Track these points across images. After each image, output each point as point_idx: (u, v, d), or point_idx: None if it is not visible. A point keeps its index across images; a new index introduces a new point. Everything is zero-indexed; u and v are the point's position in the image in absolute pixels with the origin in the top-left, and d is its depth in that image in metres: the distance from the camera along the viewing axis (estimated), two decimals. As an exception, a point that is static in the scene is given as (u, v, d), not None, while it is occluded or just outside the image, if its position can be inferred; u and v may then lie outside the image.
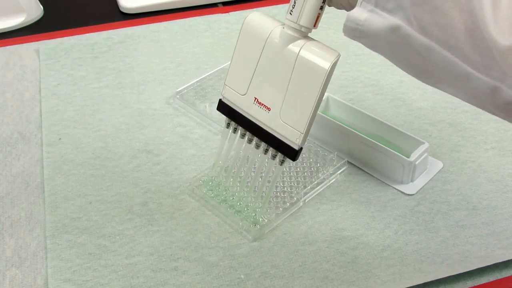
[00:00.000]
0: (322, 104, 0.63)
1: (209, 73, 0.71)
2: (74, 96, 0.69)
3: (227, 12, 0.85)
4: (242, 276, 0.49)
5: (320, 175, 0.57)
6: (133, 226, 0.53)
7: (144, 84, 0.71)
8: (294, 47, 0.46)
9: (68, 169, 0.59)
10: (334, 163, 0.59)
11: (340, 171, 0.58)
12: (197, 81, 0.70)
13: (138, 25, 0.82)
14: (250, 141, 0.51)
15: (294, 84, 0.46)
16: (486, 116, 0.65)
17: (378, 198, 0.56)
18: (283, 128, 0.48)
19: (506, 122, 0.64)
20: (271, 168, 0.51)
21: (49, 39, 0.79)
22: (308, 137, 0.61)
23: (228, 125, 0.52)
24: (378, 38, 0.41)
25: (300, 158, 0.59)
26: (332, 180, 0.58)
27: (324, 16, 0.87)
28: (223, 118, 0.64)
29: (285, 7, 0.85)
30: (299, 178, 0.57)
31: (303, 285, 0.48)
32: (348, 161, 0.59)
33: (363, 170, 0.59)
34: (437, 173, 0.58)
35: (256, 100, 0.49)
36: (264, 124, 0.49)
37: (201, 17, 0.83)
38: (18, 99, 0.69)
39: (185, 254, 0.51)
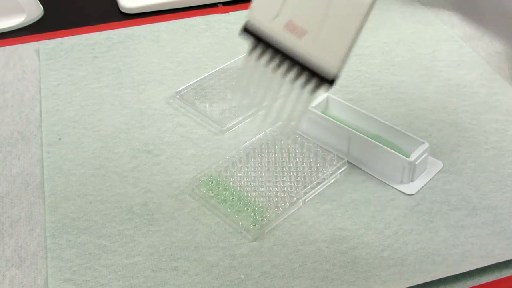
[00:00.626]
0: (322, 104, 0.63)
1: (209, 73, 0.71)
2: (74, 96, 0.69)
3: (227, 12, 0.85)
4: (242, 276, 0.49)
5: (320, 175, 0.57)
6: (133, 226, 0.53)
7: (144, 84, 0.71)
8: None
9: (68, 169, 0.59)
10: (334, 163, 0.59)
11: (340, 171, 0.58)
12: (197, 81, 0.70)
13: (138, 25, 0.82)
14: (277, 67, 0.47)
15: (336, 6, 0.43)
16: (486, 116, 0.65)
17: (378, 198, 0.56)
18: (320, 54, 0.44)
19: (506, 122, 0.64)
20: (298, 100, 0.47)
21: (49, 39, 0.79)
22: (308, 137, 0.61)
23: (251, 51, 0.47)
24: None
25: (300, 158, 0.59)
26: (332, 180, 0.58)
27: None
28: (223, 118, 0.65)
29: (285, 7, 0.85)
30: (299, 178, 0.57)
31: (303, 285, 0.48)
32: (348, 161, 0.59)
33: (363, 170, 0.59)
34: (437, 173, 0.58)
35: (290, 23, 0.44)
36: (297, 50, 0.45)
37: (201, 17, 0.83)
38: (18, 99, 0.69)
39: (185, 254, 0.51)
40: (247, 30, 0.47)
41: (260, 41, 0.46)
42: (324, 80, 0.45)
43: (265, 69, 0.48)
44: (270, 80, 0.48)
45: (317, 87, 0.46)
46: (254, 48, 0.47)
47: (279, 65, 0.47)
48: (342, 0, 0.42)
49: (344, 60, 0.44)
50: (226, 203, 0.55)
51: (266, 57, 0.47)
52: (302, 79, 0.46)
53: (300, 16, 0.44)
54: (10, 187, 0.58)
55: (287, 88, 0.48)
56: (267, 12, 0.45)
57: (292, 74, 0.46)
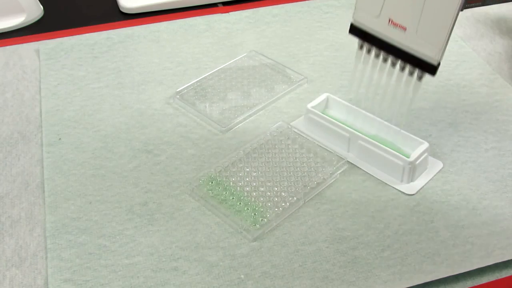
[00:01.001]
0: (322, 104, 0.63)
1: (209, 73, 0.71)
2: (74, 96, 0.69)
3: (227, 12, 0.85)
4: (242, 276, 0.49)
5: (320, 175, 0.57)
6: (133, 226, 0.53)
7: (144, 84, 0.71)
8: None
9: (68, 169, 0.59)
10: (334, 163, 0.59)
11: (340, 171, 0.58)
12: (197, 81, 0.70)
13: (138, 25, 0.82)
14: (385, 60, 0.53)
15: (431, 1, 0.48)
16: (486, 116, 0.65)
17: (378, 198, 0.56)
18: (421, 45, 0.49)
19: (506, 122, 0.64)
20: (408, 87, 0.53)
21: (49, 39, 0.79)
22: (308, 137, 0.61)
23: (361, 47, 0.54)
24: None
25: (300, 158, 0.59)
26: (332, 180, 0.58)
27: (324, 16, 0.87)
28: (223, 118, 0.65)
29: (285, 7, 0.85)
30: (298, 178, 0.57)
31: (303, 285, 0.48)
32: (348, 161, 0.59)
33: (363, 170, 0.59)
34: (437, 173, 0.58)
35: (390, 21, 0.50)
36: (400, 43, 0.51)
37: (201, 17, 0.83)
38: (18, 99, 0.69)
39: (185, 254, 0.51)
40: (355, 28, 0.53)
41: (367, 37, 0.53)
42: (429, 66, 0.50)
43: (376, 60, 0.54)
44: (381, 69, 0.54)
45: (423, 73, 0.51)
46: (363, 43, 0.54)
47: (386, 57, 0.53)
48: None
49: (444, 48, 0.48)
50: (226, 203, 0.55)
51: (374, 51, 0.54)
52: (409, 67, 0.52)
53: (398, 14, 0.50)
54: (10, 187, 0.58)
55: (397, 76, 0.54)
56: (370, 12, 0.52)
57: (399, 63, 0.52)
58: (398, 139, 0.58)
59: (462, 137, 0.63)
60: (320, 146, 0.61)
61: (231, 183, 0.56)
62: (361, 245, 0.51)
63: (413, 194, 0.56)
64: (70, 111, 0.67)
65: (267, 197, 0.55)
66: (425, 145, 0.57)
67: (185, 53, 0.76)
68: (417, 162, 0.56)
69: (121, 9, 0.86)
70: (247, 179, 0.57)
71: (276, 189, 0.56)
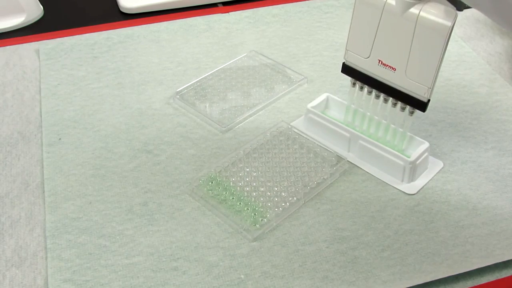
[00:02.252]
0: (322, 104, 0.63)
1: (209, 73, 0.71)
2: (74, 96, 0.69)
3: (227, 12, 0.85)
4: (242, 276, 0.49)
5: (320, 175, 0.57)
6: (133, 226, 0.53)
7: (144, 84, 0.71)
8: (413, 10, 0.49)
9: (68, 169, 0.59)
10: (334, 163, 0.59)
11: (340, 171, 0.58)
12: (197, 81, 0.70)
13: (138, 25, 0.82)
14: (377, 97, 0.56)
15: (417, 44, 0.50)
16: (486, 116, 0.65)
17: (378, 198, 0.56)
18: (410, 84, 0.52)
19: (506, 122, 0.64)
20: (400, 120, 0.56)
21: (49, 39, 0.79)
22: (308, 137, 0.61)
23: (354, 84, 0.57)
24: None
25: (300, 158, 0.59)
26: (332, 180, 0.58)
27: (324, 16, 0.87)
28: (223, 118, 0.65)
29: (285, 7, 0.85)
30: (299, 178, 0.57)
31: (303, 285, 0.48)
32: (348, 161, 0.59)
33: (363, 170, 0.59)
34: (437, 173, 0.58)
35: (380, 62, 0.53)
36: (391, 82, 0.53)
37: (201, 17, 0.83)
38: (18, 99, 0.69)
39: (185, 254, 0.51)
40: (347, 67, 0.56)
41: (359, 76, 0.55)
42: (418, 103, 0.52)
43: (368, 96, 0.57)
44: (374, 105, 0.57)
45: (413, 109, 0.54)
46: (355, 82, 0.57)
47: (378, 94, 0.56)
48: (423, 34, 0.49)
49: (432, 87, 0.51)
50: (226, 203, 0.55)
51: (367, 88, 0.56)
52: (400, 103, 0.54)
53: (387, 56, 0.52)
54: (10, 187, 0.58)
55: (389, 111, 0.56)
56: (360, 53, 0.54)
57: (391, 100, 0.55)
58: (398, 139, 0.58)
59: (462, 137, 0.63)
60: (320, 146, 0.60)
61: (231, 183, 0.56)
62: (361, 245, 0.51)
63: (414, 194, 0.56)
64: (70, 111, 0.67)
65: (267, 197, 0.55)
66: (426, 145, 0.57)
67: (185, 53, 0.76)
68: (418, 162, 0.56)
69: (121, 9, 0.86)
70: (247, 179, 0.57)
71: (276, 189, 0.56)
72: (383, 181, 0.58)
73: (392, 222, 0.54)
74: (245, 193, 0.55)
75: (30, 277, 0.49)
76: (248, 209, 0.54)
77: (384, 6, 0.50)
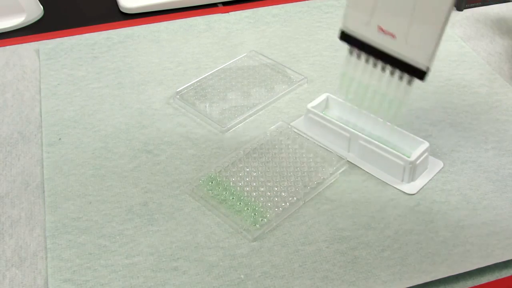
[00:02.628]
0: (322, 104, 0.63)
1: (209, 73, 0.71)
2: (74, 96, 0.69)
3: (227, 12, 0.85)
4: (242, 276, 0.49)
5: (320, 175, 0.57)
6: (133, 226, 0.53)
7: (144, 84, 0.71)
8: None
9: (68, 169, 0.59)
10: (334, 163, 0.59)
11: (340, 171, 0.58)
12: (197, 81, 0.70)
13: (138, 25, 0.82)
14: (374, 65, 0.53)
15: (419, 8, 0.47)
16: (486, 116, 0.65)
17: (378, 198, 0.56)
18: (411, 51, 0.49)
19: (506, 122, 0.64)
20: (398, 91, 0.53)
21: (49, 39, 0.79)
22: (308, 137, 0.61)
23: (351, 53, 0.54)
24: None
25: (300, 158, 0.59)
26: (332, 180, 0.58)
27: (324, 16, 0.87)
28: (223, 118, 0.65)
29: (285, 7, 0.85)
30: (299, 178, 0.57)
31: (303, 285, 0.48)
32: (348, 161, 0.59)
33: (363, 170, 0.59)
34: (437, 173, 0.58)
35: (380, 28, 0.50)
36: (390, 50, 0.51)
37: (201, 17, 0.83)
38: (18, 99, 0.69)
39: (185, 254, 0.51)
40: (344, 34, 0.53)
41: (357, 44, 0.53)
42: (418, 72, 0.50)
43: (366, 65, 0.54)
44: (371, 74, 0.54)
45: (412, 78, 0.51)
46: (352, 50, 0.54)
47: (375, 62, 0.53)
48: (425, 1, 0.47)
49: (434, 54, 0.48)
50: (226, 203, 0.55)
51: (364, 56, 0.53)
52: (399, 72, 0.52)
53: (388, 22, 0.50)
54: (10, 187, 0.58)
55: (386, 80, 0.53)
56: (360, 20, 0.51)
57: (389, 68, 0.52)
58: (398, 139, 0.58)
59: (462, 137, 0.63)
60: (320, 146, 0.60)
61: (231, 183, 0.56)
62: (361, 245, 0.51)
63: (414, 194, 0.56)
64: (70, 111, 0.67)
65: (267, 197, 0.55)
66: (426, 144, 0.57)
67: (185, 53, 0.76)
68: (418, 162, 0.56)
69: (121, 9, 0.86)
70: (247, 179, 0.57)
71: (276, 189, 0.56)
72: (383, 181, 0.58)
73: (392, 222, 0.54)
74: (245, 193, 0.55)
75: (30, 277, 0.49)
76: (248, 209, 0.54)
77: None
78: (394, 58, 0.51)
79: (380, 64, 0.53)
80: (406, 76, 0.51)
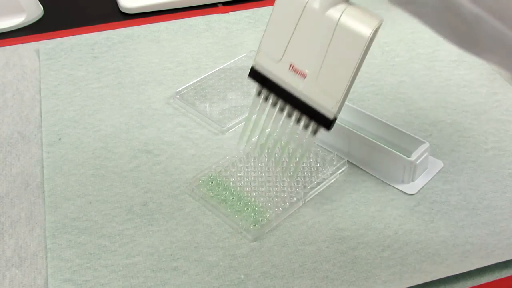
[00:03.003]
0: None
1: (209, 73, 0.71)
2: (74, 96, 0.69)
3: (227, 12, 0.85)
4: (242, 276, 0.49)
5: (320, 175, 0.57)
6: (133, 226, 0.53)
7: (144, 84, 0.71)
8: (334, 12, 0.45)
9: (68, 169, 0.59)
10: (334, 163, 0.59)
11: (340, 171, 0.58)
12: (197, 81, 0.70)
13: (138, 25, 0.82)
14: (281, 110, 0.50)
15: (333, 50, 0.45)
16: (486, 116, 0.65)
17: (378, 198, 0.56)
18: (319, 95, 0.47)
19: (506, 122, 0.64)
20: (302, 140, 0.50)
21: (49, 39, 0.79)
22: (308, 137, 0.61)
23: (259, 93, 0.51)
24: (425, 4, 0.40)
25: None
26: (332, 180, 0.58)
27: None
28: (223, 118, 0.65)
29: (285, 7, 0.85)
30: (299, 178, 0.57)
31: (303, 285, 0.48)
32: (348, 161, 0.59)
33: (363, 170, 0.59)
34: (437, 173, 0.58)
35: (291, 66, 0.48)
36: (298, 92, 0.48)
37: (201, 17, 0.83)
38: (18, 99, 0.69)
39: (185, 254, 0.51)
40: (254, 72, 0.50)
41: (266, 83, 0.49)
42: (324, 119, 0.47)
43: (272, 109, 0.50)
44: (277, 120, 0.51)
45: (318, 127, 0.48)
46: (261, 89, 0.50)
47: (284, 106, 0.49)
48: (341, 40, 0.45)
49: (342, 101, 0.46)
50: (226, 203, 0.55)
51: (272, 98, 0.50)
52: (305, 119, 0.49)
53: (300, 60, 0.47)
54: (10, 187, 0.58)
55: (292, 128, 0.50)
56: (273, 55, 0.48)
57: (296, 114, 0.49)
58: (398, 139, 0.58)
59: (462, 137, 0.63)
60: (320, 146, 0.60)
61: (231, 183, 0.56)
62: (361, 245, 0.51)
63: (414, 194, 0.56)
64: (70, 111, 0.67)
65: (267, 197, 0.55)
66: (426, 144, 0.57)
67: (185, 53, 0.76)
68: (418, 162, 0.56)
69: (121, 9, 0.86)
70: (247, 179, 0.57)
71: (276, 189, 0.56)
72: (383, 181, 0.58)
73: (392, 222, 0.54)
74: (245, 193, 0.55)
75: (30, 277, 0.49)
76: (248, 209, 0.54)
77: (306, 3, 0.46)
78: (302, 102, 0.48)
79: (287, 109, 0.49)
80: (312, 125, 0.49)
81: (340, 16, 0.44)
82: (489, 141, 0.62)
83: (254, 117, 0.52)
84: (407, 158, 0.56)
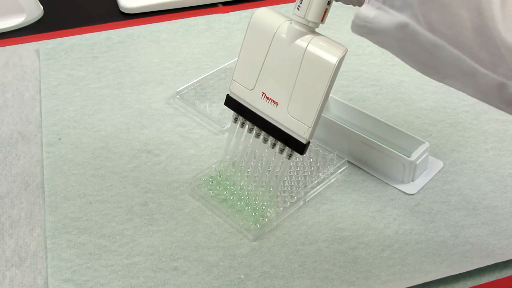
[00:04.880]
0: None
1: (209, 73, 0.71)
2: (74, 96, 0.69)
3: (227, 12, 0.85)
4: (242, 276, 0.49)
5: (320, 174, 0.57)
6: (133, 226, 0.53)
7: (144, 84, 0.71)
8: (301, 42, 0.46)
9: (68, 169, 0.59)
10: (334, 163, 0.59)
11: (340, 170, 0.58)
12: (197, 81, 0.70)
13: (138, 25, 0.82)
14: (257, 135, 0.52)
15: (302, 79, 0.47)
16: (486, 116, 0.65)
17: (378, 198, 0.56)
18: (291, 122, 0.48)
19: (506, 122, 0.64)
20: (278, 163, 0.51)
21: (49, 39, 0.79)
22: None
23: (235, 120, 0.53)
24: (386, 35, 0.42)
25: (300, 158, 0.59)
26: (332, 180, 0.58)
27: (324, 16, 0.86)
28: (223, 118, 0.65)
29: (284, 7, 0.85)
30: (299, 178, 0.57)
31: (303, 285, 0.48)
32: (348, 161, 0.59)
33: (363, 169, 0.59)
34: (437, 173, 0.58)
35: (263, 95, 0.49)
36: (272, 119, 0.49)
37: (201, 17, 0.83)
38: (18, 99, 0.69)
39: (185, 254, 0.51)
40: (230, 100, 0.52)
41: (241, 110, 0.51)
42: (298, 145, 0.49)
43: (249, 134, 0.52)
44: (254, 145, 0.53)
45: (292, 151, 0.50)
46: (237, 116, 0.52)
47: (259, 132, 0.52)
48: (308, 68, 0.46)
49: (313, 127, 0.47)
50: (226, 203, 0.55)
51: (248, 125, 0.52)
52: (279, 144, 0.50)
53: (272, 89, 0.49)
54: (10, 187, 0.58)
55: (268, 152, 0.52)
56: (245, 84, 0.50)
57: (271, 140, 0.51)
58: (399, 139, 0.58)
59: (462, 137, 0.63)
60: (320, 146, 0.60)
61: (231, 183, 0.56)
62: (361, 245, 0.51)
63: (414, 194, 0.56)
64: (70, 111, 0.67)
65: (268, 197, 0.55)
66: (426, 144, 0.57)
67: (185, 53, 0.76)
68: (418, 162, 0.56)
69: (121, 9, 0.86)
70: (247, 179, 0.57)
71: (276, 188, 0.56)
72: (383, 181, 0.58)
73: (392, 222, 0.54)
74: (245, 193, 0.55)
75: (30, 277, 0.49)
76: (248, 208, 0.54)
77: (274, 34, 0.47)
78: (276, 128, 0.49)
79: (262, 134, 0.51)
80: (286, 150, 0.50)
81: (307, 45, 0.46)
82: (489, 141, 0.62)
83: (232, 142, 0.54)
84: (407, 158, 0.56)
